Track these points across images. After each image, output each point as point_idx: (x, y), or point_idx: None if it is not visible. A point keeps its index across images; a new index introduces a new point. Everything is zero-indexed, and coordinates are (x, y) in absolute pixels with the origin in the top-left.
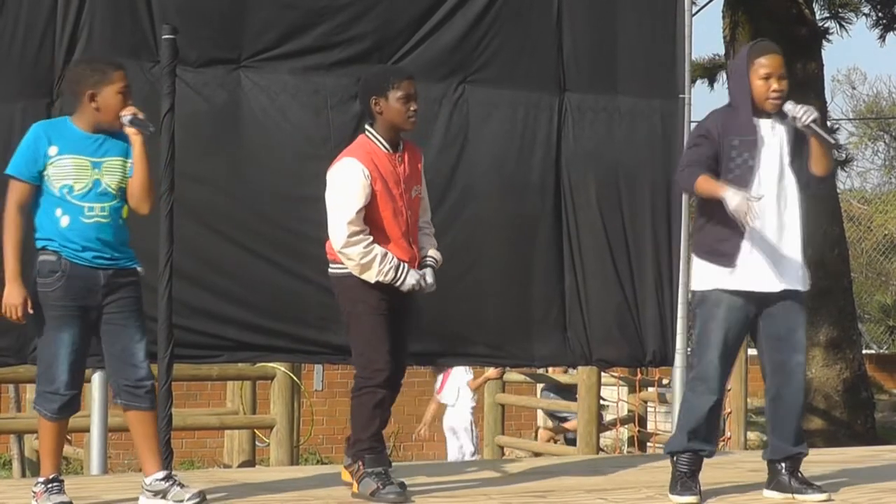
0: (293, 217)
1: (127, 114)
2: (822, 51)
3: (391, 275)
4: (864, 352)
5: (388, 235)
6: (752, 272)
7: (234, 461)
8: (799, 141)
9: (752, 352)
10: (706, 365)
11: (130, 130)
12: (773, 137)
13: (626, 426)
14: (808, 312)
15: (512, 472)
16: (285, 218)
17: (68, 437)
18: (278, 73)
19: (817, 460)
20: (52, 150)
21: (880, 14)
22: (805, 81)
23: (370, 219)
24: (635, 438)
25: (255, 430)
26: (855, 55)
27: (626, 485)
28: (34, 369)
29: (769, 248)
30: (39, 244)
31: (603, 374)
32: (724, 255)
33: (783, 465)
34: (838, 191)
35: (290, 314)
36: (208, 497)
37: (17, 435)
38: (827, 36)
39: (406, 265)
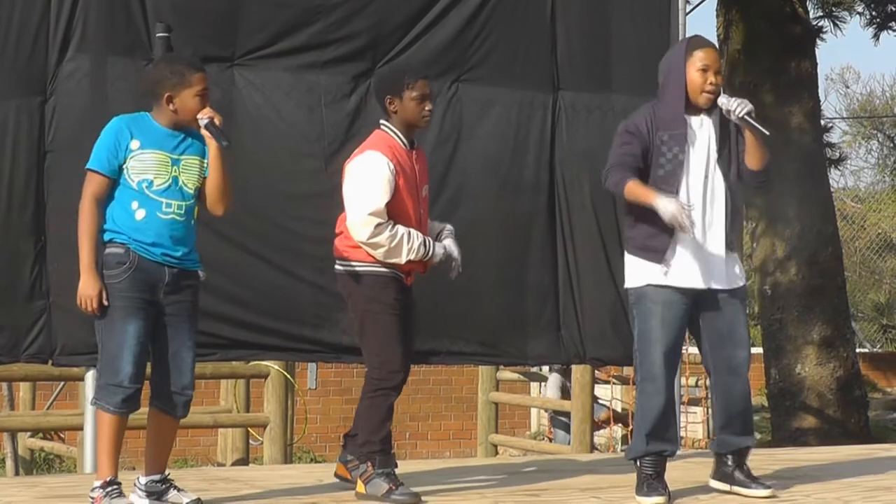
0: (287, 215)
1: (203, 117)
2: (816, 49)
3: (421, 251)
4: (857, 350)
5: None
6: (681, 268)
7: (227, 459)
8: (728, 136)
9: None
10: (650, 364)
11: (205, 134)
12: (702, 132)
13: (619, 424)
14: (800, 310)
15: (506, 470)
16: (279, 216)
17: (61, 435)
18: (272, 71)
19: (811, 458)
20: (135, 144)
21: (874, 13)
22: (799, 80)
23: (392, 215)
24: (629, 437)
25: (249, 429)
26: (849, 54)
27: (620, 483)
28: (28, 367)
29: (696, 244)
30: (106, 237)
31: (596, 372)
32: (655, 251)
33: (729, 457)
34: (832, 189)
35: (285, 312)
36: (204, 496)
37: (11, 433)
38: (821, 34)
39: (429, 239)
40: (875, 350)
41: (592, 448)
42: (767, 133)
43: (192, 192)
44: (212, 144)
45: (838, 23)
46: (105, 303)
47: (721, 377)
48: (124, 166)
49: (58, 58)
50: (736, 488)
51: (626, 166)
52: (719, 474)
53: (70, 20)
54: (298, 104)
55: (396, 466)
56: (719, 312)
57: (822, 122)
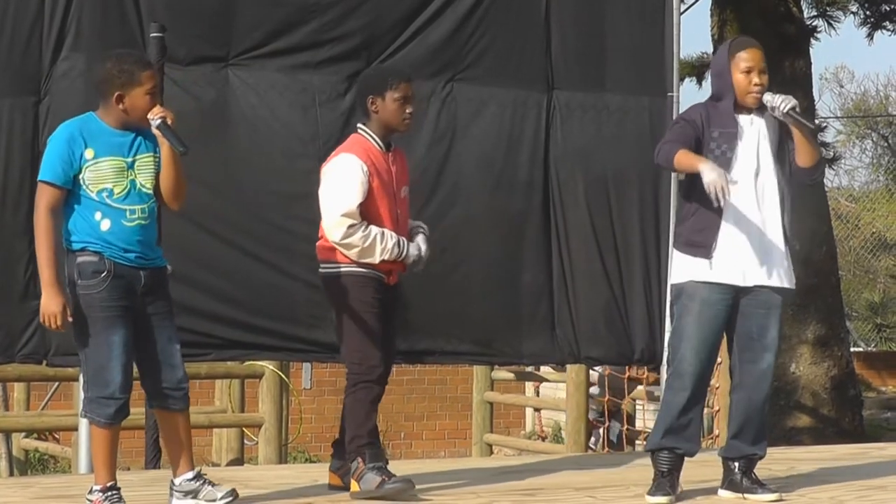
0: (282, 215)
1: (155, 117)
2: (810, 49)
3: (395, 251)
4: (852, 349)
5: None
6: (727, 264)
7: (222, 459)
8: (779, 135)
9: None
10: (680, 361)
11: (157, 134)
12: (751, 130)
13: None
14: (795, 310)
15: (500, 470)
16: (274, 216)
17: (55, 436)
18: (266, 70)
19: (805, 458)
20: (89, 154)
21: (868, 12)
22: (793, 79)
23: (366, 216)
24: (623, 436)
25: (244, 429)
26: (843, 53)
27: (615, 483)
28: (22, 367)
29: (745, 241)
30: (77, 245)
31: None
32: (701, 246)
33: (737, 463)
34: (826, 189)
35: (279, 312)
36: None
37: (6, 434)
38: (815, 34)
39: (404, 239)
40: (869, 349)
41: (587, 447)
42: (813, 126)
43: (150, 191)
44: (164, 144)
45: (832, 22)
46: (70, 318)
47: (746, 379)
48: (80, 176)
49: (52, 57)
50: (745, 495)
51: (678, 142)
52: (727, 483)
53: (64, 20)
54: (293, 104)
55: (387, 462)
56: (756, 312)
57: (817, 121)
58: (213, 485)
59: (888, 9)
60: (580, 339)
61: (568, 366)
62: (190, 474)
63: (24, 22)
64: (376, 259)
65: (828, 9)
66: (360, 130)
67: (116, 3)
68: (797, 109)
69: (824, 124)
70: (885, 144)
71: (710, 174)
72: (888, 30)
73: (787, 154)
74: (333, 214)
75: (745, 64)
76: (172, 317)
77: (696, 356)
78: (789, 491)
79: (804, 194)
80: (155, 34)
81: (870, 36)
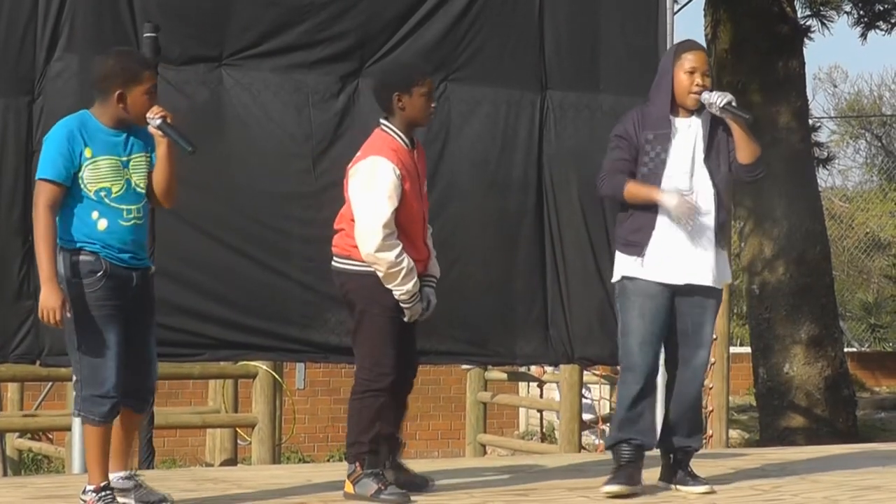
0: (275, 215)
1: (154, 116)
2: (804, 49)
3: (405, 297)
4: (845, 350)
5: (409, 236)
6: (660, 263)
7: (215, 459)
8: (716, 135)
9: (734, 350)
10: (628, 354)
11: (156, 133)
12: (687, 133)
13: (608, 424)
14: (789, 310)
15: (494, 470)
16: (267, 216)
17: (49, 436)
18: (260, 70)
19: (799, 458)
20: (88, 152)
21: (862, 12)
22: (786, 79)
23: (400, 217)
24: None
25: (237, 429)
26: (836, 53)
27: None
28: (15, 367)
29: (679, 241)
30: (73, 245)
31: (585, 371)
32: (635, 245)
33: (672, 456)
34: (820, 189)
35: (273, 312)
36: (192, 496)
37: None
38: (808, 34)
39: (418, 295)
40: (863, 349)
41: (580, 448)
42: (748, 117)
43: (143, 190)
44: (162, 144)
45: (826, 22)
46: (68, 314)
47: (680, 374)
48: (79, 175)
49: (45, 57)
50: (678, 487)
51: (619, 171)
52: (662, 474)
53: (58, 20)
54: (286, 104)
55: (385, 467)
56: (690, 310)
57: (810, 121)
58: (146, 487)
59: (882, 8)
60: (574, 340)
61: (562, 366)
62: (125, 473)
63: (18, 22)
64: (388, 286)
65: (821, 8)
66: (384, 128)
67: (110, 3)
68: (734, 104)
69: (818, 124)
70: (879, 144)
71: (671, 203)
72: (882, 29)
73: (726, 154)
74: (370, 224)
75: (689, 64)
76: (154, 318)
77: (640, 348)
78: (783, 491)
79: (798, 195)
80: (148, 34)
81: (863, 36)
